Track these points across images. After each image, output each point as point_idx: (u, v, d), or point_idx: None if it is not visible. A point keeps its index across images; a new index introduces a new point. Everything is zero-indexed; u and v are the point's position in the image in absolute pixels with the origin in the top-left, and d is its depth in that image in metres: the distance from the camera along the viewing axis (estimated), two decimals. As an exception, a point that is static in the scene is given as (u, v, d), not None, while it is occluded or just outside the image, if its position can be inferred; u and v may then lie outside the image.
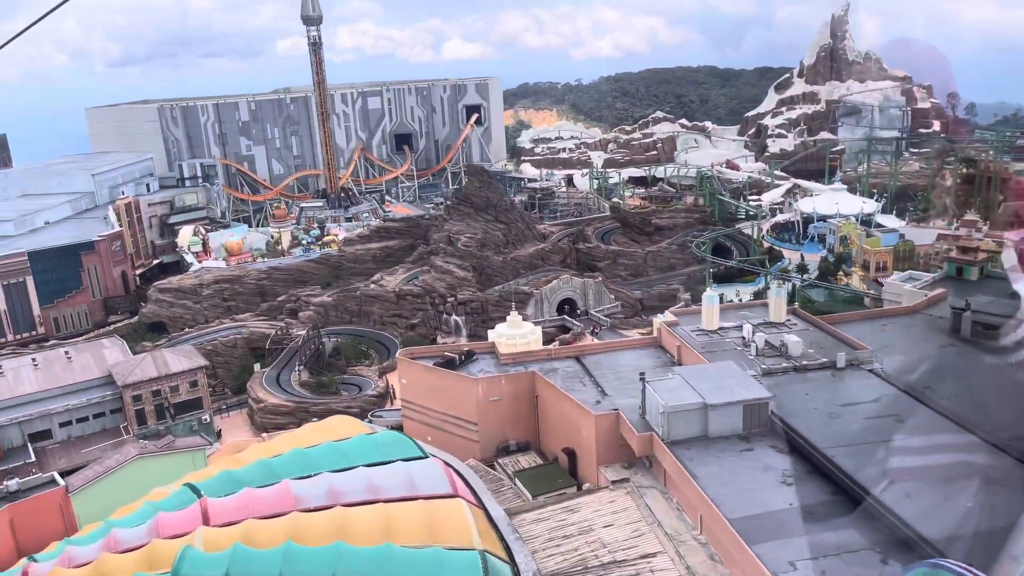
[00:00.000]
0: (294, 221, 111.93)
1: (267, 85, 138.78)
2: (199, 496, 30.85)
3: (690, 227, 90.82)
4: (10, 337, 79.43)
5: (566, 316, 69.37)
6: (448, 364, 43.30)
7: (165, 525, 28.70)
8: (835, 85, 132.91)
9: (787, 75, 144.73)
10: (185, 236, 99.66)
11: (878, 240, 69.80)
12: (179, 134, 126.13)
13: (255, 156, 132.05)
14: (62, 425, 50.18)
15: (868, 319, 46.28)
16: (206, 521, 28.97)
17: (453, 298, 69.06)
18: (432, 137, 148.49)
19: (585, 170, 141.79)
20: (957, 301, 44.25)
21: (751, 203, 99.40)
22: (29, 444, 48.37)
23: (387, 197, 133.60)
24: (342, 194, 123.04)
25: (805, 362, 38.64)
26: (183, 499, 31.36)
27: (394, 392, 57.81)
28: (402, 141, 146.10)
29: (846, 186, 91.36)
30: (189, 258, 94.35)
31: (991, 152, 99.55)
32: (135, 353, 57.31)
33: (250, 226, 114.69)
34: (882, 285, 56.79)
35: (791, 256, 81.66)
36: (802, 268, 73.46)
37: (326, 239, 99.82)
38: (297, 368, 59.90)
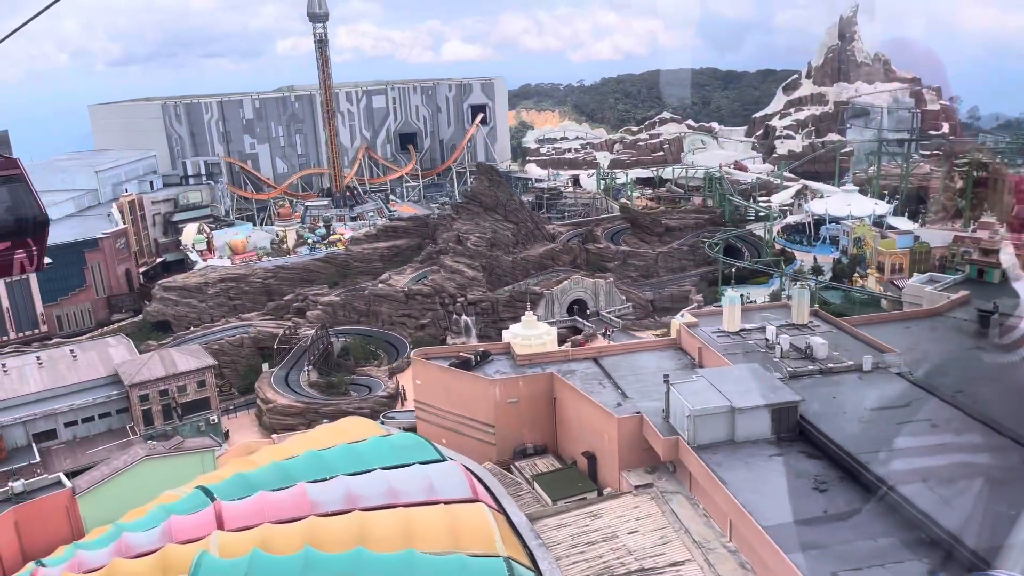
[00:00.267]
0: (299, 220, 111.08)
1: (268, 85, 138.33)
2: (212, 499, 29.98)
3: (700, 228, 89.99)
4: (12, 335, 78.46)
5: (577, 317, 68.50)
6: (464, 365, 42.41)
7: (178, 529, 27.81)
8: (843, 87, 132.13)
9: (795, 76, 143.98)
10: (189, 234, 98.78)
11: (893, 242, 68.98)
12: (183, 131, 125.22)
13: (259, 154, 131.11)
14: (67, 425, 49.21)
15: (891, 321, 45.47)
16: (220, 525, 28.11)
17: (463, 298, 68.15)
18: (437, 136, 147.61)
19: (591, 170, 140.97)
20: (983, 303, 43.50)
21: (761, 204, 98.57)
22: (34, 444, 47.39)
23: (392, 197, 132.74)
24: (347, 193, 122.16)
25: (831, 365, 37.78)
26: (196, 502, 30.49)
27: (404, 393, 56.95)
28: (407, 140, 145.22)
29: (857, 188, 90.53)
30: (194, 256, 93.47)
31: (1002, 156, 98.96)
32: (141, 352, 56.39)
33: (254, 225, 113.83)
34: (901, 288, 55.97)
35: (803, 258, 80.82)
36: (817, 270, 72.60)
37: (332, 238, 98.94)
38: (306, 368, 58.98)
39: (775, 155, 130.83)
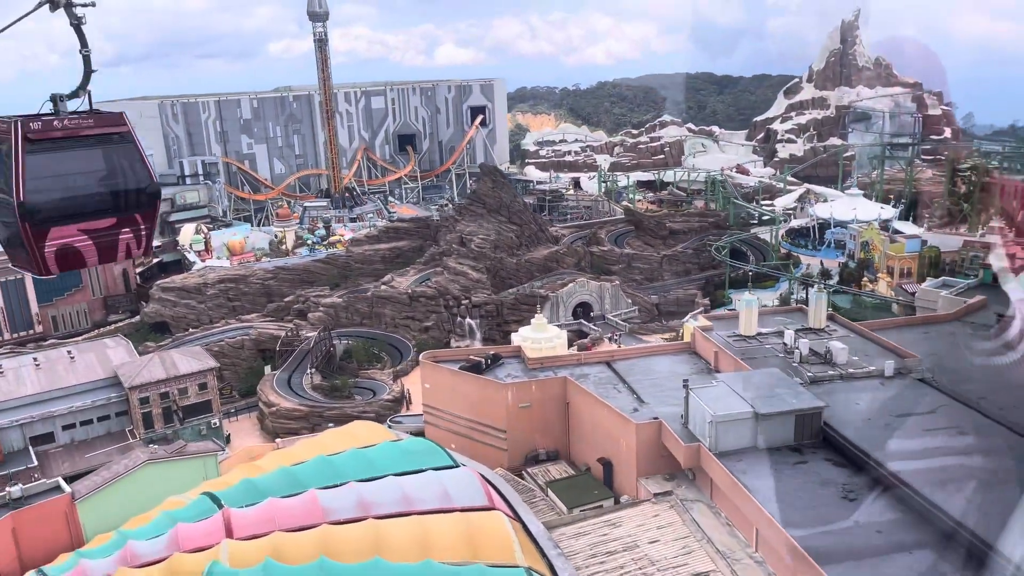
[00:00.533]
0: (297, 221, 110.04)
1: (261, 86, 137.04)
2: (220, 506, 29.01)
3: (704, 231, 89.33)
4: (7, 336, 77.21)
5: (583, 320, 67.64)
6: (474, 368, 41.48)
7: (186, 537, 26.84)
8: (845, 91, 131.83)
9: (796, 80, 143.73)
10: (187, 234, 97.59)
11: (902, 246, 68.37)
12: (179, 131, 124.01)
13: (256, 154, 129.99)
14: (65, 428, 48.02)
15: (907, 326, 44.73)
16: (229, 533, 27.16)
17: (467, 300, 67.20)
18: (436, 138, 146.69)
19: (591, 173, 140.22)
20: (1001, 308, 42.87)
21: (764, 208, 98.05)
22: (31, 448, 46.21)
23: (390, 198, 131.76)
24: (346, 194, 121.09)
25: (851, 370, 37.01)
26: (202, 509, 29.53)
27: (410, 396, 55.99)
28: (405, 142, 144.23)
29: (862, 191, 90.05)
30: (191, 257, 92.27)
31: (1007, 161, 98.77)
32: (140, 354, 55.26)
33: (252, 225, 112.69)
34: (913, 293, 55.34)
35: (809, 262, 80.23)
36: (825, 274, 71.95)
37: (332, 239, 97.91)
38: (309, 371, 57.92)
39: (776, 159, 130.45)
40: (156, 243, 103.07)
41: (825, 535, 25.80)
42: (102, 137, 8.53)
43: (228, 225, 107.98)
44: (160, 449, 41.23)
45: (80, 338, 71.27)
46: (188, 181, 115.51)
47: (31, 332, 78.19)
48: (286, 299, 74.23)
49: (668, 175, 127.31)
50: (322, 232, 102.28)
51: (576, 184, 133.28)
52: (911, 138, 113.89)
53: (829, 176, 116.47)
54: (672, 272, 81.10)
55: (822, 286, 41.72)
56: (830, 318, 43.43)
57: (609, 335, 64.04)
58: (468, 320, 66.73)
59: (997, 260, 52.78)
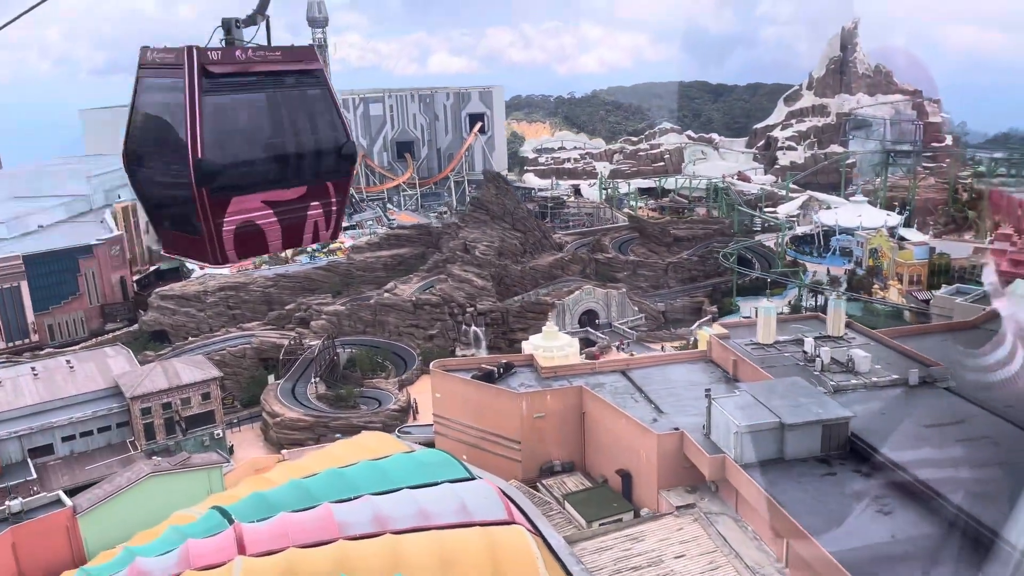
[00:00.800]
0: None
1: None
2: (230, 521, 27.96)
3: (709, 238, 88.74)
4: (2, 345, 75.91)
5: (589, 328, 66.78)
6: (486, 377, 40.57)
7: (197, 554, 25.78)
8: (845, 98, 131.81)
9: (795, 88, 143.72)
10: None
11: (911, 253, 67.85)
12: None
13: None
14: (65, 440, 46.79)
15: (926, 333, 44.07)
16: (242, 549, 26.12)
17: (472, 308, 66.27)
18: (434, 145, 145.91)
19: (591, 180, 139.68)
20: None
21: (768, 215, 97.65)
22: (30, 460, 44.98)
23: (389, 205, 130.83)
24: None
25: (875, 379, 36.24)
26: (212, 524, 28.47)
27: (416, 406, 54.99)
28: (404, 149, 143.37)
29: (867, 199, 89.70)
30: (190, 264, 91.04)
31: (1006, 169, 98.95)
32: (140, 363, 54.13)
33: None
34: (926, 301, 54.79)
35: (814, 269, 79.69)
36: (835, 280, 71.34)
37: (332, 246, 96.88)
38: (313, 380, 56.84)
39: (777, 166, 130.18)
40: (153, 249, 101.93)
41: (862, 550, 24.95)
42: (292, 77, 6.39)
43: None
44: (163, 461, 40.06)
45: (77, 347, 70.03)
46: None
47: (27, 341, 76.88)
48: (287, 307, 73.17)
49: (669, 182, 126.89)
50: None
51: (576, 191, 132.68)
52: (912, 146, 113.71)
53: (830, 183, 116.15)
54: (677, 279, 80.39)
55: (840, 293, 40.96)
56: (847, 325, 42.72)
57: (617, 343, 63.20)
58: (473, 328, 65.77)
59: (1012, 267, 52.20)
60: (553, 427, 38.42)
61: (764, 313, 40.89)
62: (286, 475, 33.39)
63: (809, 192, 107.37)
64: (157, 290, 77.87)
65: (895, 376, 35.85)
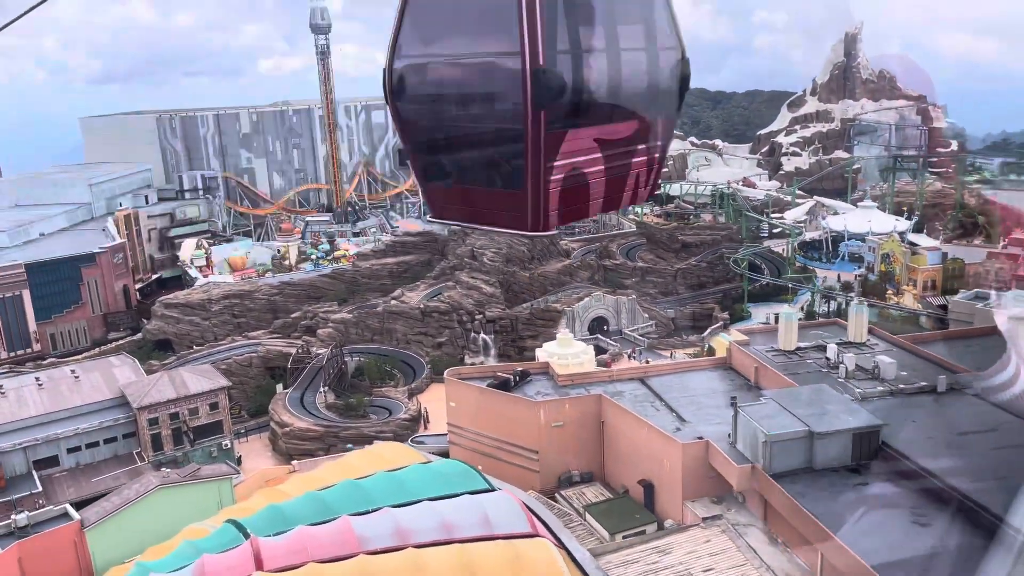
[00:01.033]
0: (299, 236, 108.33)
1: (251, 103, 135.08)
2: (246, 535, 27.11)
3: (717, 244, 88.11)
4: (3, 355, 75.01)
5: (599, 335, 65.97)
6: (503, 385, 39.79)
7: (213, 570, 24.95)
8: (849, 104, 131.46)
9: (799, 93, 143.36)
10: (188, 250, 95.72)
11: (924, 258, 67.23)
12: (178, 145, 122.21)
13: (255, 169, 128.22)
14: (70, 451, 45.85)
15: (950, 339, 43.32)
16: (259, 565, 25.28)
17: (481, 315, 65.48)
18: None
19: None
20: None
21: (776, 221, 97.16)
22: (34, 472, 44.03)
23: (391, 213, 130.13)
24: (348, 208, 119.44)
25: (902, 386, 35.50)
26: (227, 538, 27.64)
27: (427, 415, 54.12)
28: (406, 156, 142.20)
29: (876, 204, 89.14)
30: (193, 272, 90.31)
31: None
32: (146, 372, 53.28)
33: (253, 240, 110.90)
34: (943, 306, 54.15)
35: (825, 274, 79.06)
36: (847, 286, 70.67)
37: (336, 254, 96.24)
38: (322, 389, 55.96)
39: (781, 172, 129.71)
40: (156, 257, 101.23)
41: (904, 564, 24.15)
42: None
43: (229, 240, 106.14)
44: (172, 472, 39.18)
45: (80, 356, 69.15)
46: (188, 196, 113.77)
47: (29, 351, 76.03)
48: (293, 315, 72.35)
49: (673, 188, 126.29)
50: (326, 247, 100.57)
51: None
52: (918, 151, 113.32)
53: (835, 189, 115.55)
54: (686, 285, 79.68)
55: (862, 299, 40.28)
56: (869, 331, 42.00)
57: (628, 351, 62.41)
58: (482, 336, 64.96)
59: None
60: (571, 436, 37.66)
61: (785, 319, 40.18)
62: (301, 487, 32.57)
63: (815, 198, 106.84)
64: (161, 298, 77.06)
65: (923, 383, 35.14)
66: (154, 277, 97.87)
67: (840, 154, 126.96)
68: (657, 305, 74.11)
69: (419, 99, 4.51)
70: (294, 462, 44.22)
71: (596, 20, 4.35)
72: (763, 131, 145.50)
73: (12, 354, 75.25)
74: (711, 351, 52.47)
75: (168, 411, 46.81)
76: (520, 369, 41.66)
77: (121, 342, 75.19)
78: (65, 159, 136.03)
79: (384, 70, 4.51)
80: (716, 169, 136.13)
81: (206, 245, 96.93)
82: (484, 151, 4.27)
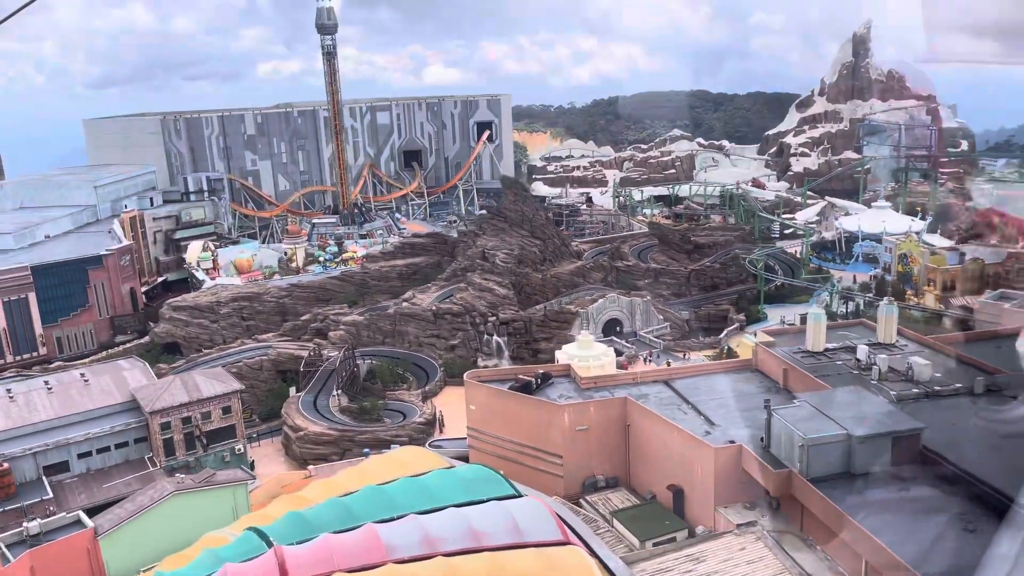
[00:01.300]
0: (306, 238, 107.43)
1: (251, 106, 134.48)
2: (269, 543, 26.15)
3: (729, 245, 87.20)
4: (10, 358, 74.03)
5: (613, 337, 65.02)
6: (524, 388, 38.84)
7: (237, 581, 23.92)
8: (858, 104, 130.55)
9: (808, 93, 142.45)
10: (194, 252, 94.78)
11: (943, 258, 66.30)
12: (182, 147, 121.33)
13: (260, 171, 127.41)
14: (80, 456, 44.90)
15: (977, 340, 42.35)
16: (284, 575, 24.28)
17: (495, 317, 64.55)
18: (442, 154, 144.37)
19: (601, 188, 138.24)
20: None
21: (788, 221, 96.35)
22: (45, 478, 43.09)
23: (397, 215, 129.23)
24: (355, 210, 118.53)
25: (937, 388, 34.54)
26: (249, 546, 26.60)
27: (442, 419, 53.18)
28: (411, 158, 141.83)
29: (890, 204, 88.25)
30: (200, 275, 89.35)
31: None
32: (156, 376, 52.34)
33: (259, 242, 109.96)
34: (965, 307, 53.27)
35: (840, 275, 78.15)
36: (865, 287, 69.74)
37: (344, 256, 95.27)
38: (335, 392, 55.01)
39: (790, 173, 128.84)
40: (161, 260, 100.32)
41: (955, 573, 23.20)
42: None
43: (235, 242, 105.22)
44: (187, 478, 38.23)
45: (87, 360, 68.23)
46: (192, 198, 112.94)
47: (35, 354, 75.09)
48: (303, 317, 71.40)
49: (682, 189, 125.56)
50: (334, 249, 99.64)
51: (588, 200, 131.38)
52: (928, 151, 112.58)
53: (844, 189, 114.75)
54: (700, 287, 78.76)
55: (891, 299, 39.31)
56: (898, 332, 41.03)
57: (644, 353, 61.47)
58: (496, 338, 64.01)
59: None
60: (596, 440, 36.74)
61: (814, 319, 39.22)
62: (322, 493, 31.65)
63: (827, 198, 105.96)
64: (169, 301, 76.10)
65: (958, 384, 34.21)
66: (160, 280, 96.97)
67: (850, 154, 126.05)
68: (671, 306, 73.19)
69: None
70: (310, 467, 43.28)
71: None
72: (771, 132, 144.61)
73: (18, 358, 74.31)
74: (730, 352, 51.51)
75: (180, 415, 45.87)
76: (541, 372, 40.69)
77: (128, 345, 74.27)
78: (68, 161, 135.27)
79: None
80: (724, 170, 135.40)
81: (212, 247, 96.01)
82: None
